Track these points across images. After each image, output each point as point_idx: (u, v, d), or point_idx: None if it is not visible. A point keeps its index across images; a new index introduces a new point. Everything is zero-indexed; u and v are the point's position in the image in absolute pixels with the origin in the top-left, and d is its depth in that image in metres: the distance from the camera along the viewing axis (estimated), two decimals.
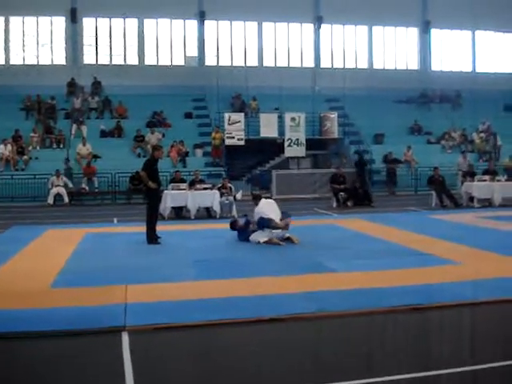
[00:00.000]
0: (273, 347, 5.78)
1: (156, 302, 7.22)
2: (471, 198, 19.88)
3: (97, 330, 6.12)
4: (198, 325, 6.29)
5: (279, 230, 11.97)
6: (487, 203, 19.72)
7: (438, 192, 20.01)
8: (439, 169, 21.24)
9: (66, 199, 22.45)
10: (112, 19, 33.30)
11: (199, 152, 27.52)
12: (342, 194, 20.76)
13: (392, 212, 18.68)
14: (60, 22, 32.76)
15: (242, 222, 12.78)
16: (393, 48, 37.16)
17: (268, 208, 12.31)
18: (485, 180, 19.98)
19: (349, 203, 20.67)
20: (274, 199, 14.14)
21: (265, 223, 11.91)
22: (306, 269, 9.15)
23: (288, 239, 11.96)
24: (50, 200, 22.33)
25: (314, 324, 6.43)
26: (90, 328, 6.16)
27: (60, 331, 6.07)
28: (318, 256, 10.25)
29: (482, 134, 30.52)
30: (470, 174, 20.86)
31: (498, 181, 19.96)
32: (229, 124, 27.36)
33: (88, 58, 33.27)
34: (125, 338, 5.89)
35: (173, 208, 17.46)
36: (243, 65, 34.36)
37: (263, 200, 12.78)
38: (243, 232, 12.39)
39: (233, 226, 12.92)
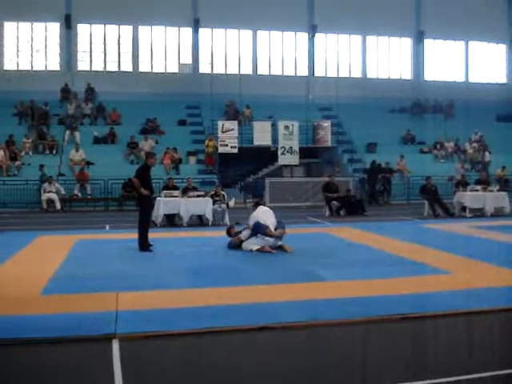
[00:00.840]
0: (263, 355, 5.78)
1: (147, 309, 7.19)
2: (463, 208, 19.95)
3: (87, 338, 6.08)
4: (189, 333, 6.27)
5: (272, 239, 11.98)
6: (479, 213, 19.78)
7: (430, 201, 20.07)
8: (432, 178, 21.31)
9: (58, 205, 22.39)
10: (106, 26, 33.34)
11: (192, 159, 27.52)
12: (334, 202, 20.78)
13: (384, 221, 18.71)
14: (54, 28, 32.80)
15: (237, 229, 12.81)
16: (386, 57, 37.34)
17: (265, 215, 12.35)
18: (477, 190, 20.05)
19: (341, 212, 20.70)
20: (268, 207, 14.15)
21: (261, 229, 11.93)
22: (297, 277, 9.15)
23: (280, 248, 11.97)
24: (44, 206, 22.32)
25: (304, 333, 6.42)
26: (81, 335, 6.12)
27: (50, 338, 6.03)
28: (310, 265, 10.25)
29: (475, 144, 30.67)
30: (462, 184, 20.93)
31: (491, 191, 20.02)
32: (222, 132, 27.38)
33: (82, 64, 33.31)
34: (115, 345, 5.85)
35: (165, 215, 17.43)
36: (237, 73, 34.43)
37: (261, 207, 12.86)
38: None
39: (229, 232, 12.92)
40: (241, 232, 12.48)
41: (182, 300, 7.66)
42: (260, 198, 23.09)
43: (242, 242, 12.21)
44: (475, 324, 6.76)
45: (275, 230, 12.09)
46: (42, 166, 23.84)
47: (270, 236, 11.93)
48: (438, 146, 30.33)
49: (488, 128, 31.73)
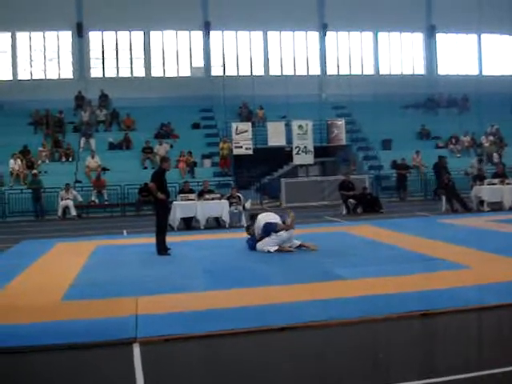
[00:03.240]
0: (284, 356, 5.76)
1: (167, 313, 7.22)
2: (481, 202, 19.80)
3: (108, 343, 6.11)
4: (210, 335, 6.27)
5: (288, 236, 11.93)
6: (497, 207, 19.61)
7: (447, 196, 19.94)
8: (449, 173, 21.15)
9: (74, 212, 22.48)
10: (118, 32, 33.50)
11: (207, 162, 27.58)
12: (351, 200, 20.71)
13: (402, 218, 18.63)
14: (66, 37, 33.02)
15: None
16: (398, 53, 37.17)
17: (268, 218, 12.34)
18: (494, 183, 19.90)
19: (358, 210, 20.64)
20: (284, 207, 14.14)
21: (272, 227, 11.93)
22: (316, 277, 9.13)
23: (300, 247, 11.92)
24: (60, 213, 22.46)
25: (325, 332, 6.40)
26: (102, 340, 6.15)
27: (71, 344, 6.07)
28: (328, 263, 10.23)
29: (491, 138, 30.40)
30: (479, 178, 20.78)
31: (508, 184, 19.85)
32: (236, 133, 27.43)
33: (95, 71, 33.51)
34: (136, 349, 5.87)
35: (182, 219, 17.48)
36: (249, 74, 34.43)
37: (259, 215, 12.73)
38: (250, 240, 12.49)
39: (248, 231, 12.87)
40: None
41: (201, 302, 7.67)
42: (272, 199, 23.04)
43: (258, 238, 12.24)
44: (496, 319, 6.70)
45: (283, 223, 12.11)
46: (35, 175, 23.89)
47: (283, 229, 11.91)
48: (454, 141, 30.12)
49: (503, 120, 31.46)
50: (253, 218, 12.82)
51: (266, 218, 12.34)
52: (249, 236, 12.69)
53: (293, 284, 8.68)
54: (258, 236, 12.21)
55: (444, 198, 20.06)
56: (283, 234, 11.91)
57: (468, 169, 24.59)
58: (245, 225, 16.09)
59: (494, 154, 28.72)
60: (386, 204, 21.78)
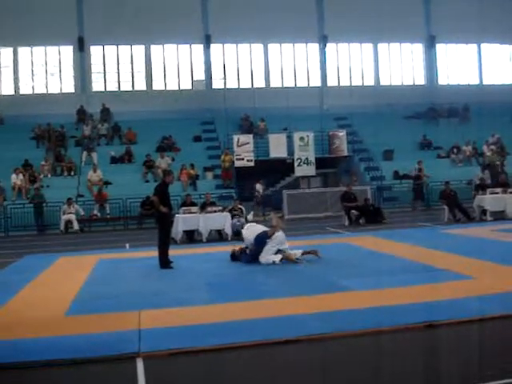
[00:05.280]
0: (289, 369, 5.73)
1: (170, 326, 7.18)
2: (484, 212, 19.75)
3: (111, 357, 6.07)
4: (214, 349, 6.24)
5: (283, 236, 11.92)
6: (500, 216, 19.56)
7: (450, 206, 19.91)
8: (450, 183, 21.15)
9: (76, 226, 22.46)
10: (119, 46, 33.67)
11: (209, 175, 27.59)
12: (353, 211, 20.70)
13: (404, 228, 18.59)
14: (68, 51, 33.22)
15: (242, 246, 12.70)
16: (399, 64, 37.26)
17: (252, 229, 12.36)
18: (497, 192, 19.86)
19: (361, 221, 20.62)
20: (286, 219, 14.13)
21: (263, 236, 11.91)
22: (320, 288, 9.09)
23: (303, 255, 11.89)
24: (62, 227, 22.44)
25: (329, 344, 6.36)
26: (105, 355, 6.12)
27: (75, 359, 6.04)
28: (332, 275, 10.20)
29: (493, 147, 30.38)
30: (482, 187, 20.75)
31: (511, 193, 19.81)
32: (238, 146, 27.46)
33: (96, 85, 33.67)
34: (139, 364, 5.84)
35: (184, 232, 17.47)
36: (250, 86, 34.53)
37: (242, 230, 12.88)
38: (245, 255, 12.36)
39: (232, 257, 12.68)
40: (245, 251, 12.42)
41: (205, 316, 7.63)
42: (274, 210, 22.98)
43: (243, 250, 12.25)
44: (501, 329, 6.66)
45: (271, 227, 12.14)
46: (37, 190, 23.97)
47: (273, 233, 11.89)
48: (455, 151, 30.12)
49: (504, 130, 31.46)
50: (238, 234, 12.87)
51: (250, 228, 12.39)
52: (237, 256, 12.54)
53: (297, 296, 8.64)
54: (253, 250, 12.08)
55: (446, 208, 20.04)
56: (277, 234, 11.90)
57: (477, 180, 24.48)
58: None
59: (498, 163, 28.67)
60: (388, 214, 21.72)
